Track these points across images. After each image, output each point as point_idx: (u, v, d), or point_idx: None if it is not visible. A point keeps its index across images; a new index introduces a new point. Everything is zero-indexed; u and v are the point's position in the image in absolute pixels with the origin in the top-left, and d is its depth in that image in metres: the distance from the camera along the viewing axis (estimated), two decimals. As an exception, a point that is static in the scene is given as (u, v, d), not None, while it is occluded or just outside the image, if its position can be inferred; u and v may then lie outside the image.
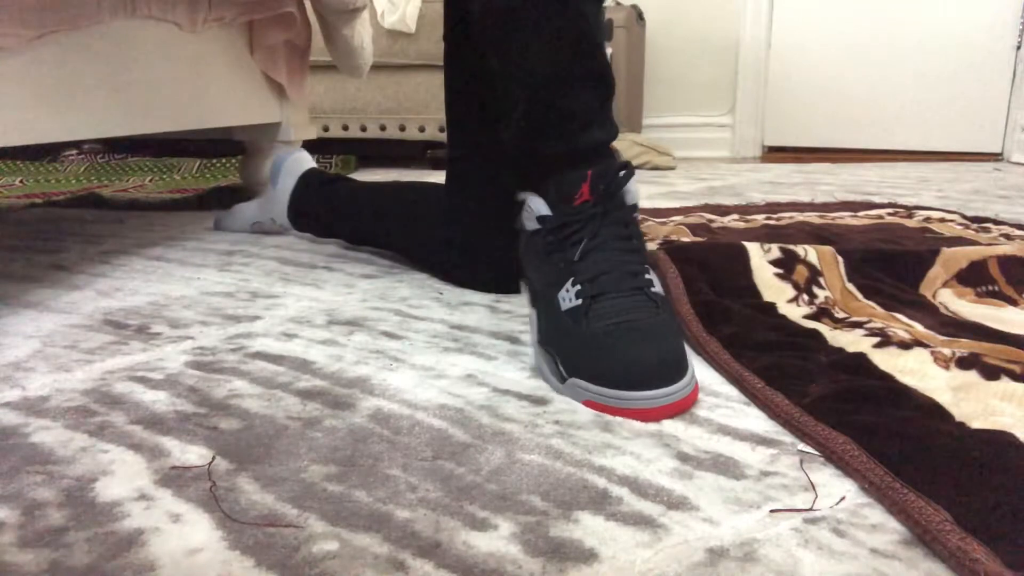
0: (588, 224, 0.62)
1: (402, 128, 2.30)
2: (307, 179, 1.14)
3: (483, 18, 0.70)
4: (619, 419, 0.53)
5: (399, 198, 1.01)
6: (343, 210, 1.08)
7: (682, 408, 0.54)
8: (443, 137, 1.90)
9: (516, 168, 0.73)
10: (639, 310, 0.58)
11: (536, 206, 0.66)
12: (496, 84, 0.72)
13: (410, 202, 0.99)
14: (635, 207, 0.65)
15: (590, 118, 0.67)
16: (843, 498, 0.43)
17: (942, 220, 1.21)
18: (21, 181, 2.05)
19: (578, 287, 0.60)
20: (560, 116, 0.67)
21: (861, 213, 1.30)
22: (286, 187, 1.15)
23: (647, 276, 0.61)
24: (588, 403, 0.55)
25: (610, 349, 0.55)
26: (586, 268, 0.60)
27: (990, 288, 0.78)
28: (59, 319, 0.78)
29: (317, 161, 2.25)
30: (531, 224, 0.67)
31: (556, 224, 0.64)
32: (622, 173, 0.63)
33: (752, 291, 0.76)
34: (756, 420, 0.53)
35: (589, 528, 0.40)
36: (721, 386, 0.59)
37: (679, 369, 0.54)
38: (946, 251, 0.82)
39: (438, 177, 0.94)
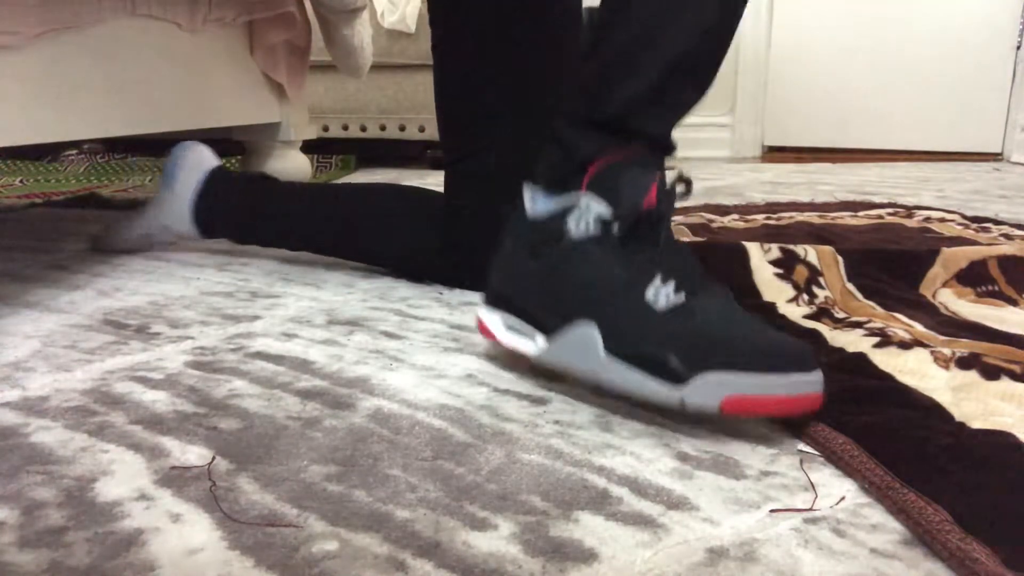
0: (661, 230, 0.56)
1: (402, 128, 2.30)
2: (216, 177, 1.02)
3: None
4: (619, 419, 0.53)
5: (367, 201, 0.94)
6: (272, 210, 0.98)
7: (819, 403, 0.49)
8: (443, 137, 1.90)
9: (554, 161, 0.62)
10: (736, 310, 0.53)
11: (595, 207, 0.57)
12: (594, 49, 0.61)
13: (383, 206, 0.92)
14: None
15: (680, 118, 0.61)
16: (843, 498, 0.43)
17: (942, 220, 1.21)
18: (21, 181, 2.05)
19: (672, 282, 0.53)
20: (671, 104, 0.60)
21: (861, 213, 1.30)
22: (186, 188, 1.00)
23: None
24: (730, 402, 0.48)
25: (747, 333, 0.50)
26: (671, 267, 0.55)
27: (990, 288, 0.78)
28: (59, 319, 0.78)
29: (317, 161, 2.25)
30: (580, 228, 0.57)
31: (627, 223, 0.56)
32: (674, 186, 0.58)
33: (752, 291, 0.76)
34: (756, 420, 0.53)
35: (589, 528, 0.40)
36: (721, 386, 0.59)
37: (813, 357, 0.50)
38: (946, 251, 0.82)
39: (438, 177, 0.94)
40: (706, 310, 0.52)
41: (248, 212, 0.99)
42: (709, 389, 0.48)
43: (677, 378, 0.49)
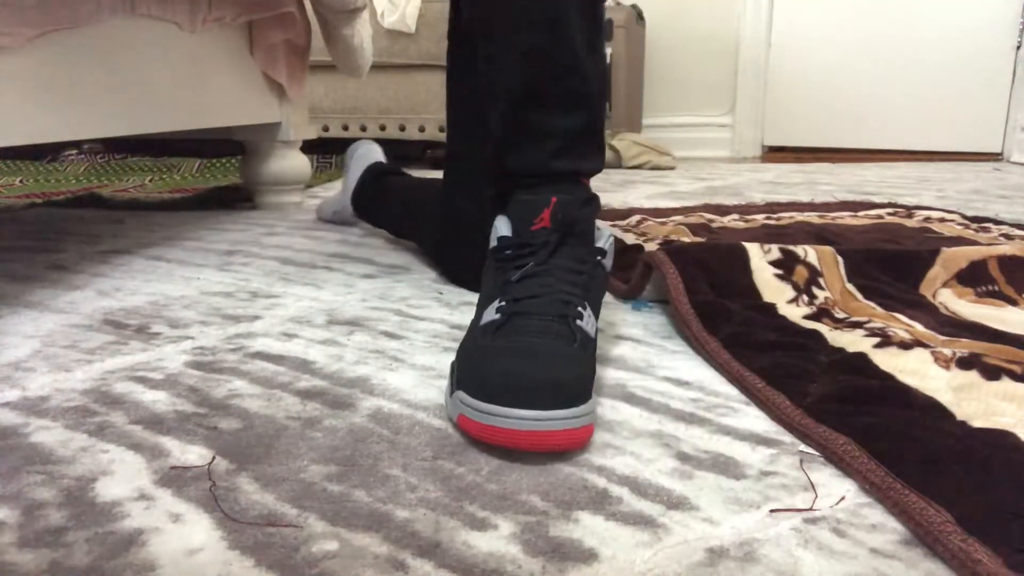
0: (540, 251, 0.59)
1: (402, 128, 2.30)
2: (370, 171, 1.18)
3: (469, 24, 0.70)
4: (619, 418, 0.53)
5: (421, 195, 1.04)
6: (385, 203, 1.13)
7: (558, 442, 0.46)
8: (443, 137, 1.91)
9: (494, 184, 0.71)
10: (551, 335, 0.53)
11: (499, 226, 0.63)
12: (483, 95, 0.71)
13: (423, 200, 1.01)
14: (602, 252, 0.62)
15: (566, 144, 0.65)
16: (843, 498, 0.43)
17: (942, 220, 1.21)
18: (21, 181, 2.05)
19: (502, 304, 0.57)
20: (532, 135, 0.65)
21: (861, 213, 1.30)
22: (352, 178, 1.20)
23: (581, 310, 0.57)
24: (461, 420, 0.50)
25: (494, 360, 0.51)
26: (518, 290, 0.57)
27: (990, 288, 0.78)
28: (59, 319, 0.78)
29: (316, 161, 2.25)
30: (492, 243, 0.64)
31: (511, 244, 0.61)
32: (583, 206, 0.62)
33: (752, 291, 0.76)
34: (756, 420, 0.53)
35: (589, 528, 0.40)
36: (721, 386, 0.59)
37: (565, 397, 0.47)
38: (946, 251, 0.82)
39: (436, 175, 0.94)
40: (509, 334, 0.54)
41: (375, 205, 1.16)
42: (453, 406, 0.52)
43: (451, 391, 0.53)
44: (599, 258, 0.62)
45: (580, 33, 0.64)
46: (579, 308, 0.57)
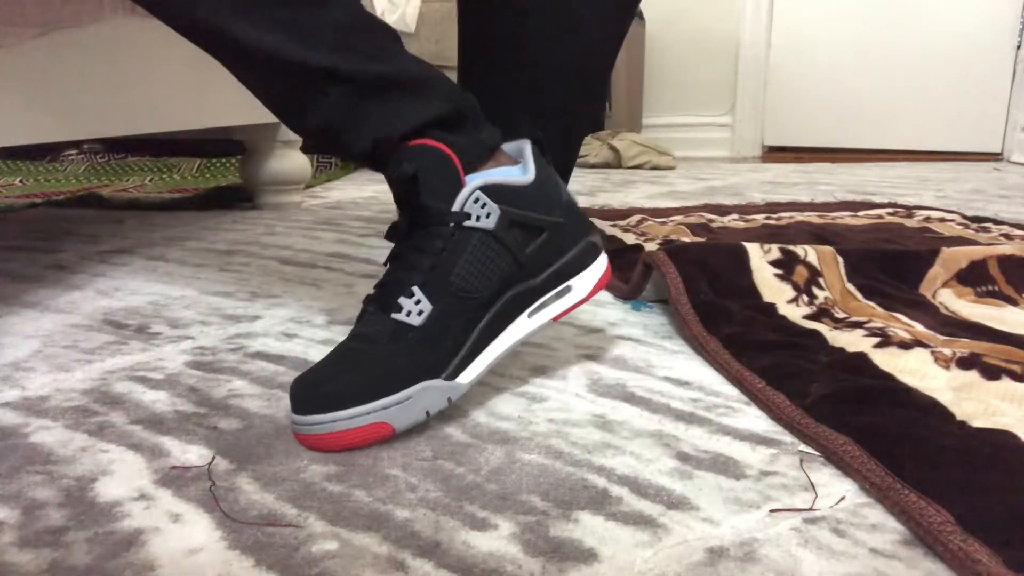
0: (396, 236, 0.57)
1: (402, 128, 2.30)
2: None
3: None
4: (619, 418, 0.53)
5: None
6: None
7: (315, 443, 0.49)
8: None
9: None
10: (365, 339, 0.52)
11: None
12: None
13: None
14: (457, 216, 0.53)
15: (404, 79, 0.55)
16: (843, 498, 0.43)
17: (942, 220, 1.21)
18: (21, 181, 2.04)
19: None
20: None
21: (861, 213, 1.30)
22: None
23: (403, 299, 0.52)
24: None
25: (329, 371, 0.52)
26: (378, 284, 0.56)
27: (990, 288, 0.78)
28: (59, 319, 0.78)
29: (317, 161, 2.25)
30: None
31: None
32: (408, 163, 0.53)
33: (752, 291, 0.76)
34: (756, 420, 0.53)
35: (589, 528, 0.40)
36: (721, 386, 0.59)
37: (315, 400, 0.49)
38: (946, 251, 0.82)
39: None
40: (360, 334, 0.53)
41: None
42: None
43: None
44: (454, 224, 0.53)
45: None
46: (400, 298, 0.52)
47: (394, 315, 0.52)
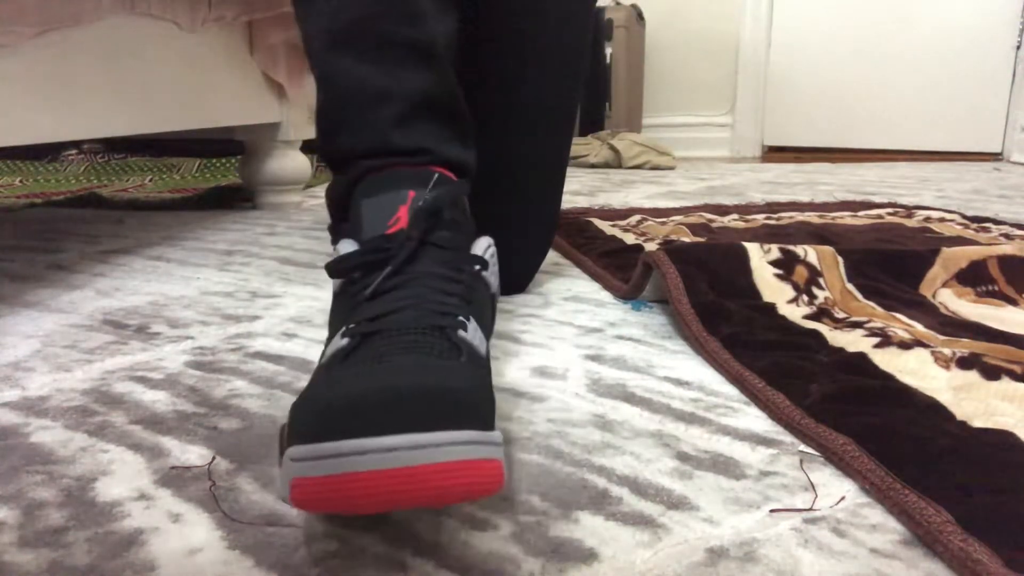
0: (398, 254, 0.45)
1: (402, 128, 2.29)
2: None
3: None
4: (619, 418, 0.53)
5: None
6: None
7: (451, 482, 0.31)
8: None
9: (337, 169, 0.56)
10: (422, 349, 0.39)
11: (341, 248, 0.48)
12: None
13: None
14: (480, 261, 0.50)
15: (407, 111, 0.52)
16: (843, 498, 0.43)
17: (942, 220, 1.21)
18: (21, 181, 2.04)
19: (351, 326, 0.42)
20: (360, 98, 0.51)
21: (861, 213, 1.30)
22: None
23: (463, 320, 0.43)
24: (295, 488, 0.32)
25: (335, 387, 0.34)
26: (372, 308, 0.43)
27: (990, 288, 0.78)
28: (59, 319, 0.78)
29: (316, 161, 2.25)
30: (333, 273, 0.48)
31: (357, 262, 0.47)
32: (436, 194, 0.48)
33: (752, 291, 0.76)
34: (756, 420, 0.53)
35: (589, 528, 0.40)
36: (721, 386, 0.59)
37: (455, 413, 0.32)
38: (946, 251, 0.82)
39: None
40: (360, 360, 0.39)
41: None
42: (284, 475, 0.33)
43: (279, 458, 0.35)
44: (478, 268, 0.49)
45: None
46: (460, 318, 0.43)
47: (462, 333, 0.43)
